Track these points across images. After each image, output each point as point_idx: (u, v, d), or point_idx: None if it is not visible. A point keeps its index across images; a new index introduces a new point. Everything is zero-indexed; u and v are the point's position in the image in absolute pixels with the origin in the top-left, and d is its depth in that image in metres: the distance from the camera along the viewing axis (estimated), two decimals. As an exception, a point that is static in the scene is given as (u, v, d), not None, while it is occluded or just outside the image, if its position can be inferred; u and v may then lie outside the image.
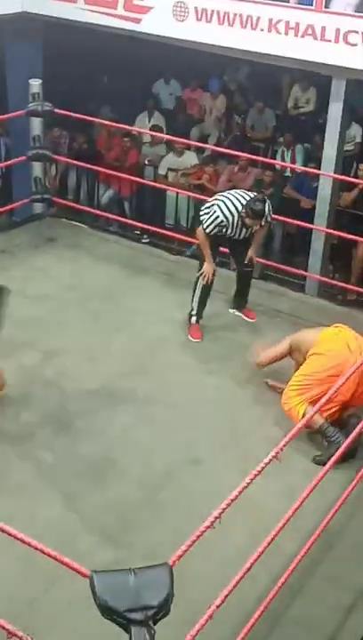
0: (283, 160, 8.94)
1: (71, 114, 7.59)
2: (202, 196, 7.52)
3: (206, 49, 6.99)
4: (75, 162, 8.61)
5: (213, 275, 6.02)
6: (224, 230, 5.85)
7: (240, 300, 6.48)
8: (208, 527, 3.15)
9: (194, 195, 7.99)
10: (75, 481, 4.65)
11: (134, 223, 8.28)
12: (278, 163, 8.81)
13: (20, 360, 5.71)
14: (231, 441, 5.05)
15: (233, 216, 5.76)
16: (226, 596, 3.32)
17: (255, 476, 3.44)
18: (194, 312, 6.19)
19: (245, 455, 4.77)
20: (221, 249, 6.22)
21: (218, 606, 3.27)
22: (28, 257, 7.29)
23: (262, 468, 3.49)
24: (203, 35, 6.81)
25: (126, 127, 8.50)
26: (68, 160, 8.80)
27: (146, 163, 9.26)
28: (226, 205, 5.76)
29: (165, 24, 6.95)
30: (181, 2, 6.84)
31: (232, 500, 3.28)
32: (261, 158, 8.68)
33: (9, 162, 8.20)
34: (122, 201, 9.34)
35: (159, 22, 7.00)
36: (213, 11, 6.68)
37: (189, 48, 7.09)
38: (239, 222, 5.81)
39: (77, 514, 4.40)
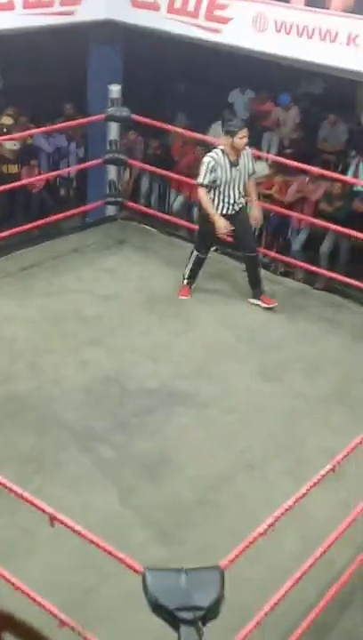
0: (355, 174, 8.89)
1: (148, 120, 7.73)
2: (270, 206, 7.56)
3: (284, 62, 7.03)
4: (148, 167, 8.75)
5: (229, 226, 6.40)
6: (218, 176, 6.25)
7: (255, 289, 6.71)
8: (262, 534, 3.20)
9: (263, 204, 8.03)
10: (131, 477, 4.76)
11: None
12: (347, 179, 8.77)
13: (84, 356, 5.87)
14: (287, 448, 5.09)
15: (218, 155, 6.29)
16: (275, 603, 3.37)
17: (312, 486, 3.48)
18: (185, 277, 6.80)
19: (300, 463, 4.81)
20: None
21: (266, 613, 3.32)
22: (99, 257, 7.46)
23: (319, 480, 3.52)
24: (281, 47, 6.85)
25: (200, 136, 8.58)
26: (142, 165, 8.95)
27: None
28: (210, 152, 6.38)
29: (245, 35, 7.02)
30: (261, 13, 6.90)
31: (287, 510, 3.32)
32: (329, 173, 8.64)
33: (85, 164, 8.39)
34: (192, 207, 9.44)
35: (239, 33, 7.07)
36: (292, 23, 6.71)
37: (266, 60, 7.14)
38: (227, 161, 6.27)
39: (132, 509, 4.51)
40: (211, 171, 6.28)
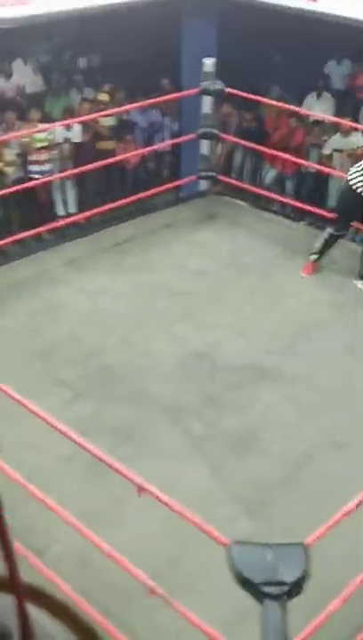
0: None
1: (242, 93, 7.66)
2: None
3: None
4: (241, 141, 8.69)
5: None
6: None
7: None
8: (347, 513, 3.21)
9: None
10: (220, 452, 4.83)
11: (295, 203, 8.26)
12: None
13: (174, 331, 5.95)
14: (376, 429, 5.04)
15: None
16: (361, 581, 3.37)
17: None
18: (314, 253, 6.77)
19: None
20: None
21: (352, 591, 3.33)
22: (191, 232, 7.51)
23: None
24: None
25: (294, 108, 8.44)
26: (235, 139, 8.90)
27: (312, 143, 9.16)
28: None
29: (342, 3, 6.84)
30: (359, -20, 6.71)
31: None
32: None
33: (178, 139, 8.41)
34: (284, 180, 9.33)
35: (335, 1, 6.90)
36: (393, -10, 6.50)
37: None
38: None
39: (220, 484, 4.58)
40: None
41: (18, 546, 3.76)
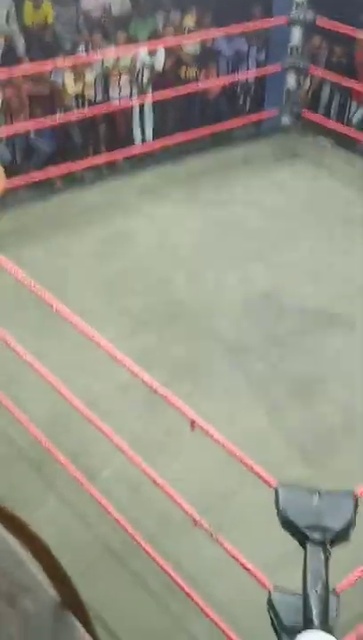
0: None
1: (334, 25, 7.28)
2: None
3: None
4: (330, 76, 8.30)
5: None
6: None
7: None
8: None
9: None
10: (281, 395, 4.76)
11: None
12: None
13: (245, 270, 5.84)
14: None
15: None
16: None
17: None
18: None
19: None
20: None
21: None
22: (269, 170, 7.30)
23: None
24: None
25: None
26: (323, 74, 8.51)
27: None
28: None
29: None
30: None
31: None
32: None
33: (263, 70, 8.10)
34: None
35: None
36: None
37: None
38: None
39: (278, 426, 4.53)
40: None
41: (70, 468, 3.83)
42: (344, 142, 7.86)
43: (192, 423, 3.29)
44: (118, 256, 5.94)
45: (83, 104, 7.12)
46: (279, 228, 6.42)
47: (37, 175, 6.59)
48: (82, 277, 5.64)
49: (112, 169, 7.09)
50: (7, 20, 7.78)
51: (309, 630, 2.05)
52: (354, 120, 8.95)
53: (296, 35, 7.41)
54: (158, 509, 3.81)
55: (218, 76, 8.06)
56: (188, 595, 3.42)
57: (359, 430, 4.53)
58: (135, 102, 7.41)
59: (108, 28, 7.77)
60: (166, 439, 4.33)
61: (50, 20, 7.93)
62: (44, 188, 6.71)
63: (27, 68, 6.84)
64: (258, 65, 8.31)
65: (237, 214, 6.53)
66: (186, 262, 5.90)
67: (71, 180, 6.86)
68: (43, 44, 7.71)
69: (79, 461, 4.02)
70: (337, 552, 2.18)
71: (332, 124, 8.14)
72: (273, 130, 7.95)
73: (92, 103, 7.16)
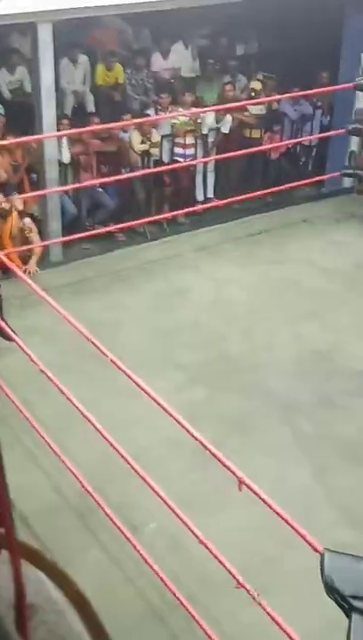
0: None
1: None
2: None
3: None
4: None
5: None
6: None
7: None
8: None
9: None
10: (328, 456, 4.68)
11: None
12: None
13: (298, 327, 5.84)
14: None
15: None
16: None
17: None
18: None
19: None
20: None
21: None
22: (328, 229, 7.33)
23: None
24: None
25: None
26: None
27: None
28: None
29: None
30: None
31: None
32: None
33: (327, 133, 8.21)
34: None
35: None
36: None
37: None
38: None
39: (325, 488, 4.44)
40: None
41: (115, 520, 3.82)
42: None
43: (240, 482, 3.27)
44: (174, 310, 6.01)
45: (148, 162, 7.31)
46: (335, 287, 6.41)
47: (101, 229, 6.80)
48: (137, 330, 5.71)
49: (174, 225, 7.22)
50: (84, 82, 8.13)
51: None
52: None
53: (362, 99, 7.50)
54: (201, 568, 3.76)
55: (282, 137, 8.20)
56: (226, 658, 3.34)
57: None
58: (198, 161, 7.57)
59: (177, 90, 8.01)
60: (212, 496, 4.29)
61: (121, 81, 8.23)
62: (107, 243, 6.87)
63: (96, 126, 7.05)
64: (322, 128, 8.42)
65: (294, 273, 6.55)
66: (240, 319, 5.92)
67: (133, 235, 7.02)
68: (112, 103, 7.99)
69: (123, 514, 4.02)
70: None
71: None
72: (334, 192, 8.01)
73: (157, 162, 7.35)
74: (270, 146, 7.79)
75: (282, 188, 7.50)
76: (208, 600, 3.72)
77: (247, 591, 3.26)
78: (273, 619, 3.15)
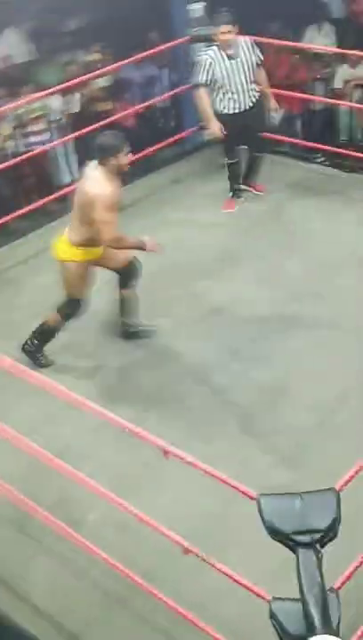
0: None
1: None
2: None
3: None
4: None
5: (222, 130, 6.46)
6: (216, 73, 6.29)
7: (248, 177, 6.98)
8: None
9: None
10: (249, 405, 4.74)
11: (306, 143, 8.03)
12: None
13: (194, 288, 5.84)
14: None
15: (214, 52, 6.35)
16: None
17: None
18: (229, 189, 6.89)
19: None
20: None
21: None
22: (198, 185, 7.34)
23: None
24: None
25: (293, 43, 8.13)
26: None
27: (317, 77, 8.85)
28: (206, 50, 6.49)
29: None
30: None
31: None
32: None
33: (175, 90, 8.14)
34: (293, 120, 9.04)
35: None
36: None
37: None
38: (224, 55, 6.29)
39: (252, 436, 4.50)
40: (207, 69, 6.34)
41: (53, 519, 3.75)
42: (268, 144, 7.93)
43: (165, 452, 3.25)
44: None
45: (5, 156, 7.10)
46: (219, 241, 6.43)
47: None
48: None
49: (45, 214, 7.03)
50: None
51: (313, 636, 2.01)
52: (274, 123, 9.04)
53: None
54: (150, 543, 3.75)
55: (132, 104, 8.11)
56: (193, 623, 3.36)
57: (333, 426, 4.51)
58: (55, 143, 7.41)
59: (14, 78, 7.77)
60: (145, 473, 4.27)
61: None
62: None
63: None
64: (173, 86, 8.35)
65: (178, 234, 6.51)
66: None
67: (7, 235, 6.82)
68: None
69: (61, 511, 3.95)
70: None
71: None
72: (197, 146, 7.99)
73: (15, 154, 7.15)
74: (121, 114, 7.68)
75: (143, 153, 7.41)
76: (166, 574, 3.72)
77: (196, 555, 3.27)
78: (226, 574, 3.17)
